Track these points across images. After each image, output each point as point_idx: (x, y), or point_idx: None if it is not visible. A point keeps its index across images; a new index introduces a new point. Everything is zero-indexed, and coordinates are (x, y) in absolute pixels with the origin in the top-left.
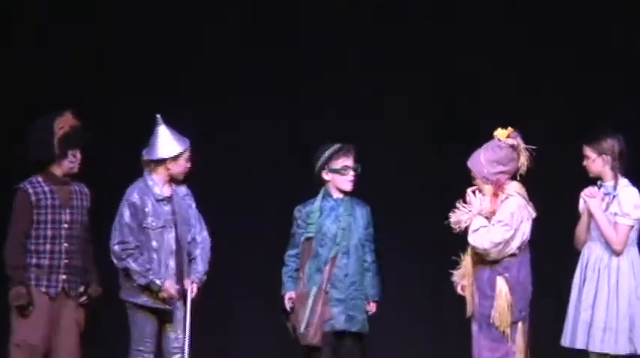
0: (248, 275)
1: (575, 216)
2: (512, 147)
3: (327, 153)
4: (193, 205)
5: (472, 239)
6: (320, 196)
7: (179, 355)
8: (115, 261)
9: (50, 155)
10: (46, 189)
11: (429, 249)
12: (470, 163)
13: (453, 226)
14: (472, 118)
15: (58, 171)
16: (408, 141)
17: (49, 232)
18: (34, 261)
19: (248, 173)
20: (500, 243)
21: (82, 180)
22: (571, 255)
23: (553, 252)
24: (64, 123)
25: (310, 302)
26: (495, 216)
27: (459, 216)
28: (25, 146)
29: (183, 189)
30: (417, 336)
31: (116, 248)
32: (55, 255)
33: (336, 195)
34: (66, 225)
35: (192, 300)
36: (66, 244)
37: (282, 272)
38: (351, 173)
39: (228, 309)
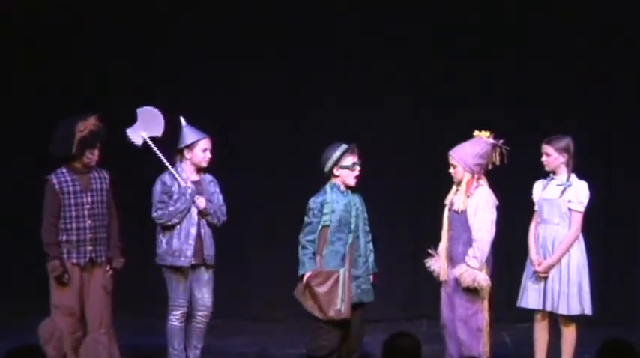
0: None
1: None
2: (492, 145)
3: (338, 153)
4: (217, 190)
5: (478, 256)
6: (329, 189)
7: (204, 312)
8: (159, 223)
9: (69, 153)
10: (68, 178)
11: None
12: (455, 153)
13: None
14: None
15: (78, 164)
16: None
17: (73, 213)
18: (64, 237)
19: (260, 167)
20: (491, 227)
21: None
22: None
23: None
24: (85, 126)
25: (341, 282)
26: (476, 215)
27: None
28: (51, 142)
29: (209, 177)
30: (394, 297)
31: (154, 214)
32: (81, 231)
33: (342, 187)
34: (88, 206)
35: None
36: (89, 221)
37: (302, 254)
38: (358, 168)
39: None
